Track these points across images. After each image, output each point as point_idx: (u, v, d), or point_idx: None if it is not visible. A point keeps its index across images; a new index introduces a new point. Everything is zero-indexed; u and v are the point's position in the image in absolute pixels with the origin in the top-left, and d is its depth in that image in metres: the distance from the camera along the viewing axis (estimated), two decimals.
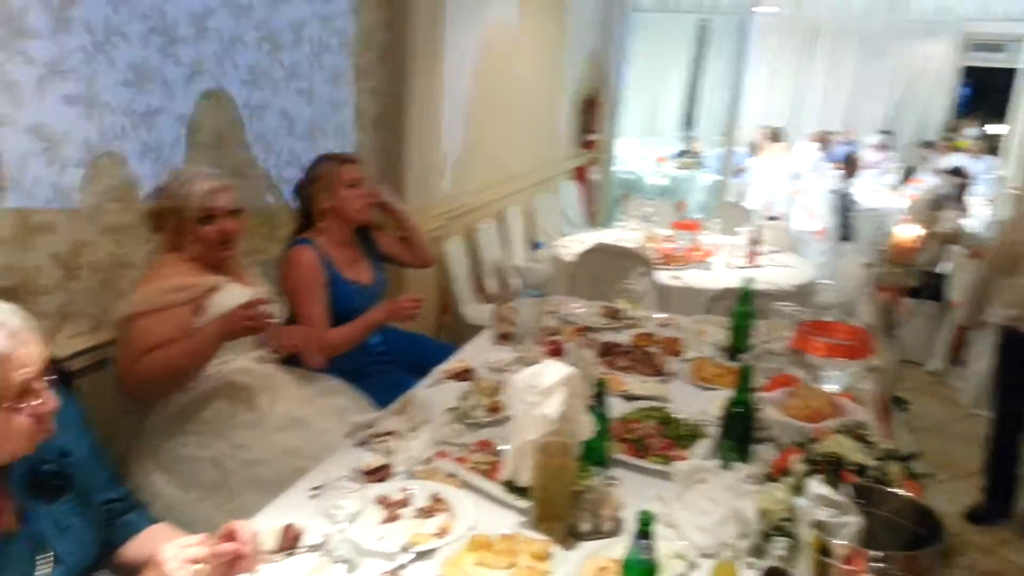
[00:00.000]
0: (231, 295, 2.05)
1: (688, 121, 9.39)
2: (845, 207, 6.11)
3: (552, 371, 1.81)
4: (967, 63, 9.41)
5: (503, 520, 1.67)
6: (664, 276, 3.99)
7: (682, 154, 8.37)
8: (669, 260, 4.27)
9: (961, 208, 4.83)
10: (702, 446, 2.04)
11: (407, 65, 3.77)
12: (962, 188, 4.90)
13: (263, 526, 1.54)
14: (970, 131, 8.67)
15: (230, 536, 1.34)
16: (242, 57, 2.90)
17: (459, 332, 3.78)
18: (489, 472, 1.82)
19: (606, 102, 7.03)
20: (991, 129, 8.52)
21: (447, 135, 4.24)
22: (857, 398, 2.33)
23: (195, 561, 1.27)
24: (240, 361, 2.13)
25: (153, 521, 1.54)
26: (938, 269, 4.74)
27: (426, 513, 1.65)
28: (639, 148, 8.52)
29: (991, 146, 7.98)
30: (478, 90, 4.63)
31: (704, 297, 3.80)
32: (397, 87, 3.79)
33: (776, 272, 4.21)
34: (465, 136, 4.56)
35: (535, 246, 5.18)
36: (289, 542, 1.51)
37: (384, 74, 3.78)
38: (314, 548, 1.52)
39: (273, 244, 2.92)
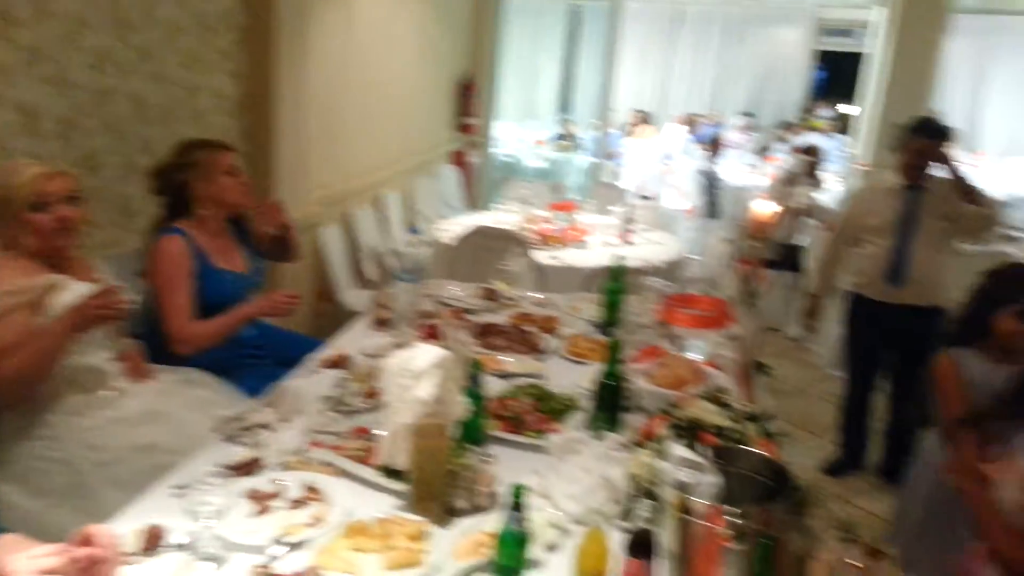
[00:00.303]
0: (72, 292, 1.93)
1: (564, 105, 9.55)
2: (711, 186, 6.39)
3: (425, 354, 1.82)
4: (821, 47, 10.01)
5: (381, 505, 1.67)
6: (543, 256, 4.07)
7: (559, 137, 8.51)
8: (547, 241, 4.35)
9: (813, 183, 5.14)
10: (575, 418, 2.10)
11: (270, 47, 3.64)
12: (813, 165, 5.21)
13: (123, 528, 1.47)
14: (824, 112, 9.25)
15: (87, 541, 1.28)
16: (88, 40, 2.72)
17: (338, 320, 3.72)
18: (365, 458, 1.81)
19: (483, 86, 7.05)
20: (841, 109, 9.12)
21: (318, 119, 4.14)
22: (720, 365, 2.47)
23: (48, 572, 1.20)
24: (90, 356, 2.02)
25: (2, 531, 1.45)
26: (794, 241, 5.05)
27: (299, 504, 1.62)
28: (517, 131, 8.60)
29: (844, 126, 8.53)
30: (350, 73, 4.53)
31: (581, 275, 3.91)
32: (261, 70, 3.66)
33: (648, 249, 4.37)
34: (338, 121, 4.46)
35: (413, 231, 5.15)
36: (152, 542, 1.45)
37: (246, 57, 3.64)
38: (181, 547, 1.47)
39: (129, 235, 2.77)
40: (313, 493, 1.66)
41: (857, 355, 3.49)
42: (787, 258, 5.04)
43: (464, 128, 6.92)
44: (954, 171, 3.15)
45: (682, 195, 6.66)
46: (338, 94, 4.40)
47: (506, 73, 7.71)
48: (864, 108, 6.52)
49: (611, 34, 7.45)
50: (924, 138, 3.16)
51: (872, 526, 3.11)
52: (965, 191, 3.13)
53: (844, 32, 9.80)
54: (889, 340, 3.35)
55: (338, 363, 2.31)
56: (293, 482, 1.68)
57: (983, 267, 2.41)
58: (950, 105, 8.08)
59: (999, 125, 9.13)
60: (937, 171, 3.18)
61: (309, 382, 2.21)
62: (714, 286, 3.36)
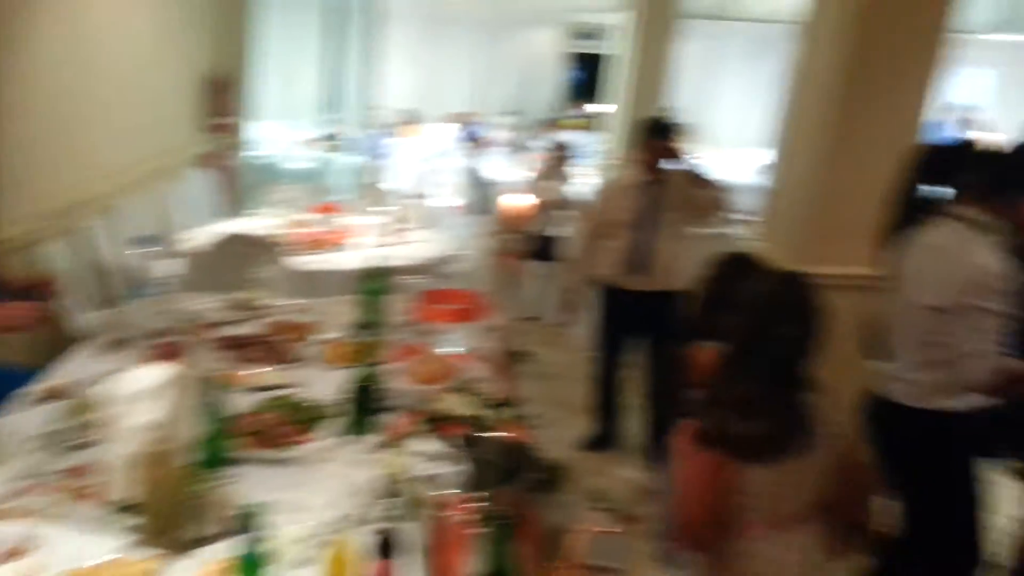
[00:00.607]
0: None
1: (330, 103, 9.34)
2: (478, 183, 6.56)
3: (152, 376, 1.69)
4: (574, 50, 10.66)
5: (112, 545, 1.53)
6: (306, 261, 3.95)
7: (325, 137, 8.31)
8: (313, 244, 4.23)
9: (563, 178, 5.44)
10: (331, 425, 2.06)
11: None
12: (563, 161, 5.52)
13: None
14: (578, 110, 9.86)
15: None
16: None
17: (66, 346, 3.35)
18: (89, 496, 1.65)
19: (238, 83, 6.68)
20: (594, 108, 9.75)
21: (39, 122, 3.69)
22: (479, 357, 2.54)
23: None
24: None
25: None
26: (549, 233, 5.32)
27: (9, 557, 1.44)
28: (281, 131, 8.28)
29: (598, 123, 9.13)
30: (79, 70, 4.09)
31: (346, 278, 3.83)
32: None
33: (415, 248, 4.39)
34: (65, 123, 4.00)
35: (154, 241, 4.75)
36: None
37: None
38: None
39: None
40: (26, 544, 1.48)
41: (608, 339, 3.74)
42: (544, 249, 5.30)
43: (217, 128, 6.53)
44: (686, 164, 3.46)
45: (450, 193, 6.78)
46: (64, 93, 3.95)
47: (264, 69, 7.38)
48: (616, 106, 7.02)
49: (373, 31, 7.39)
50: (656, 136, 3.44)
51: (627, 494, 3.36)
52: (696, 181, 3.46)
53: (592, 36, 10.49)
54: (638, 325, 3.61)
55: (57, 394, 2.08)
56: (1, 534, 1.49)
57: (714, 249, 2.61)
58: (688, 102, 8.93)
59: (729, 119, 10.26)
60: (672, 165, 3.48)
61: (22, 419, 1.97)
62: (473, 280, 3.44)
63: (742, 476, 1.61)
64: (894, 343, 2.37)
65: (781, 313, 1.65)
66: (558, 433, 3.87)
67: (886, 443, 2.38)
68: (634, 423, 3.77)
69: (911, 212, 2.56)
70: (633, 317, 3.59)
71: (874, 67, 3.16)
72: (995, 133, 7.21)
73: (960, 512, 2.34)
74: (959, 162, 2.59)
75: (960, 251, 2.16)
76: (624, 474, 3.57)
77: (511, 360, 2.98)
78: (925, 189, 2.66)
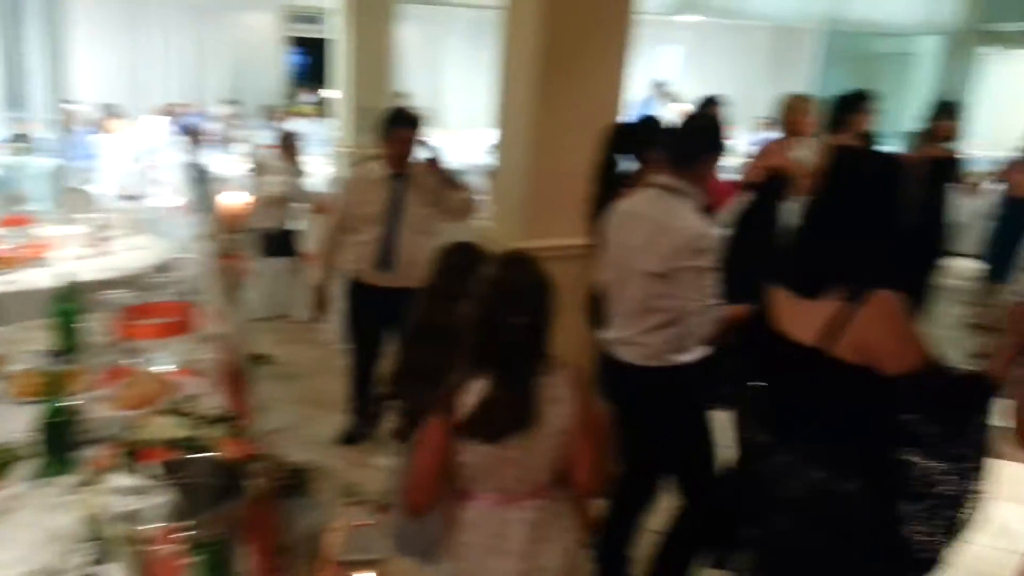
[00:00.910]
0: None
1: (15, 100, 8.19)
2: (200, 179, 6.11)
3: None
4: (292, 33, 10.23)
5: None
6: None
7: (12, 138, 7.28)
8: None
9: (293, 169, 5.22)
10: (20, 469, 1.81)
11: None
12: (291, 151, 5.28)
13: None
14: (306, 97, 9.52)
15: None
16: None
17: None
18: None
19: None
20: (324, 94, 9.47)
21: None
22: (197, 371, 2.36)
23: None
24: None
25: None
26: (286, 227, 5.11)
27: None
28: None
29: (327, 110, 8.88)
30: None
31: (43, 299, 3.39)
32: None
33: (128, 256, 4.01)
34: None
35: None
36: None
37: None
38: None
39: None
40: None
41: (358, 333, 3.68)
42: (283, 244, 5.09)
43: None
44: (432, 159, 3.46)
45: (171, 192, 6.25)
46: None
47: None
48: (341, 92, 6.85)
49: (58, 16, 6.55)
50: (400, 128, 3.40)
51: (384, 484, 3.34)
52: (444, 178, 3.48)
53: (313, 19, 10.15)
54: (387, 320, 3.57)
55: None
56: None
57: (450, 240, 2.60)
58: (415, 87, 8.97)
59: (457, 103, 10.49)
60: (416, 157, 3.46)
61: None
62: (194, 286, 3.19)
63: (464, 451, 1.65)
64: (614, 309, 2.47)
65: (507, 301, 1.67)
66: (313, 431, 3.76)
67: (622, 402, 2.50)
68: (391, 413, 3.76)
69: (612, 185, 2.76)
70: (381, 312, 3.54)
71: (569, 49, 3.35)
72: (684, 104, 8.04)
73: (701, 452, 2.49)
74: (647, 136, 2.84)
75: (666, 218, 2.29)
76: (382, 464, 3.54)
77: (245, 366, 2.81)
78: (623, 162, 2.88)
